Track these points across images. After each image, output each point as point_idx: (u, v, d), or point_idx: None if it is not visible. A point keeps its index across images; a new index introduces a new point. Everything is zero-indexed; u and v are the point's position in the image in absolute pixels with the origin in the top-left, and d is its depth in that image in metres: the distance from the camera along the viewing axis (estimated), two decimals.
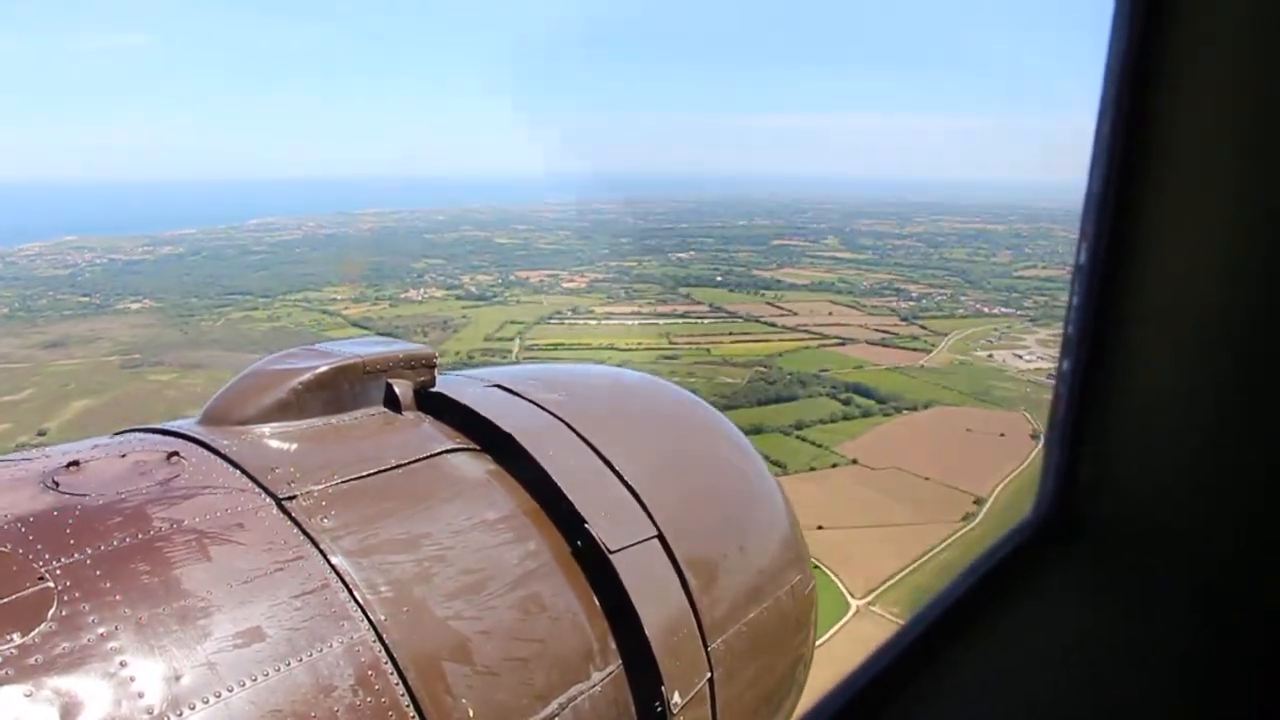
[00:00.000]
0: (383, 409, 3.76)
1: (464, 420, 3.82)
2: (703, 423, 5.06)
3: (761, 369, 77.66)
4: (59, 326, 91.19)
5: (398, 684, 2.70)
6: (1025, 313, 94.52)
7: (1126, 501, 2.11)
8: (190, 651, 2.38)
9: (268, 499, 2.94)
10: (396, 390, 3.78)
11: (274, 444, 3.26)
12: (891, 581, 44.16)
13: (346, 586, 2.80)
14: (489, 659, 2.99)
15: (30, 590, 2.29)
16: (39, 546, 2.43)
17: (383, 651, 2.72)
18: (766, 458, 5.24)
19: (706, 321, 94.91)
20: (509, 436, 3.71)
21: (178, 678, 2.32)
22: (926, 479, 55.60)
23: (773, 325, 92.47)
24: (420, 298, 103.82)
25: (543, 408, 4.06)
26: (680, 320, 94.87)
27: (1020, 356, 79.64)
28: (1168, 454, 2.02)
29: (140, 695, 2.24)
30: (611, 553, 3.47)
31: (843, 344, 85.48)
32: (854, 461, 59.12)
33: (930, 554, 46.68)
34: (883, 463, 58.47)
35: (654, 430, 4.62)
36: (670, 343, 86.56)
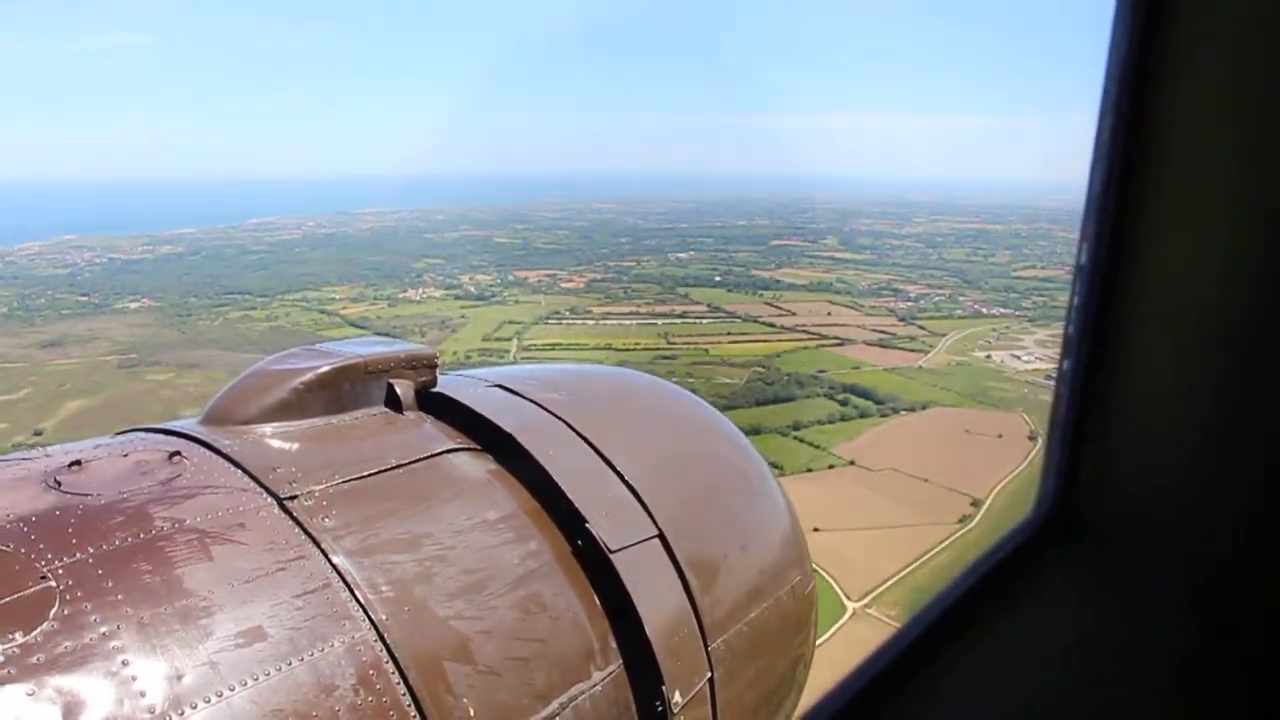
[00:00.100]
0: (384, 409, 3.76)
1: (465, 420, 3.83)
2: (703, 422, 5.07)
3: (759, 369, 77.50)
4: (57, 326, 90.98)
5: (399, 683, 2.71)
6: (1024, 313, 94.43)
7: (1127, 501, 2.11)
8: (192, 651, 2.39)
9: (269, 499, 2.95)
10: (398, 390, 3.79)
11: (275, 444, 3.26)
12: (888, 584, 44.08)
13: (348, 586, 2.81)
14: (490, 658, 2.99)
15: (32, 589, 2.30)
16: (41, 546, 2.43)
17: (384, 651, 2.73)
18: (764, 458, 5.29)
19: (705, 322, 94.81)
20: (510, 436, 3.71)
21: (179, 677, 2.32)
22: (924, 480, 55.46)
23: (771, 325, 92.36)
24: (419, 297, 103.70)
25: (543, 407, 4.06)
26: (679, 320, 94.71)
27: (1018, 357, 79.54)
28: (1168, 454, 2.02)
29: (142, 694, 2.25)
30: (612, 552, 3.47)
31: (841, 344, 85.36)
32: (851, 463, 58.98)
33: (927, 556, 46.60)
34: (880, 464, 58.36)
35: (655, 430, 4.63)
36: (668, 343, 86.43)
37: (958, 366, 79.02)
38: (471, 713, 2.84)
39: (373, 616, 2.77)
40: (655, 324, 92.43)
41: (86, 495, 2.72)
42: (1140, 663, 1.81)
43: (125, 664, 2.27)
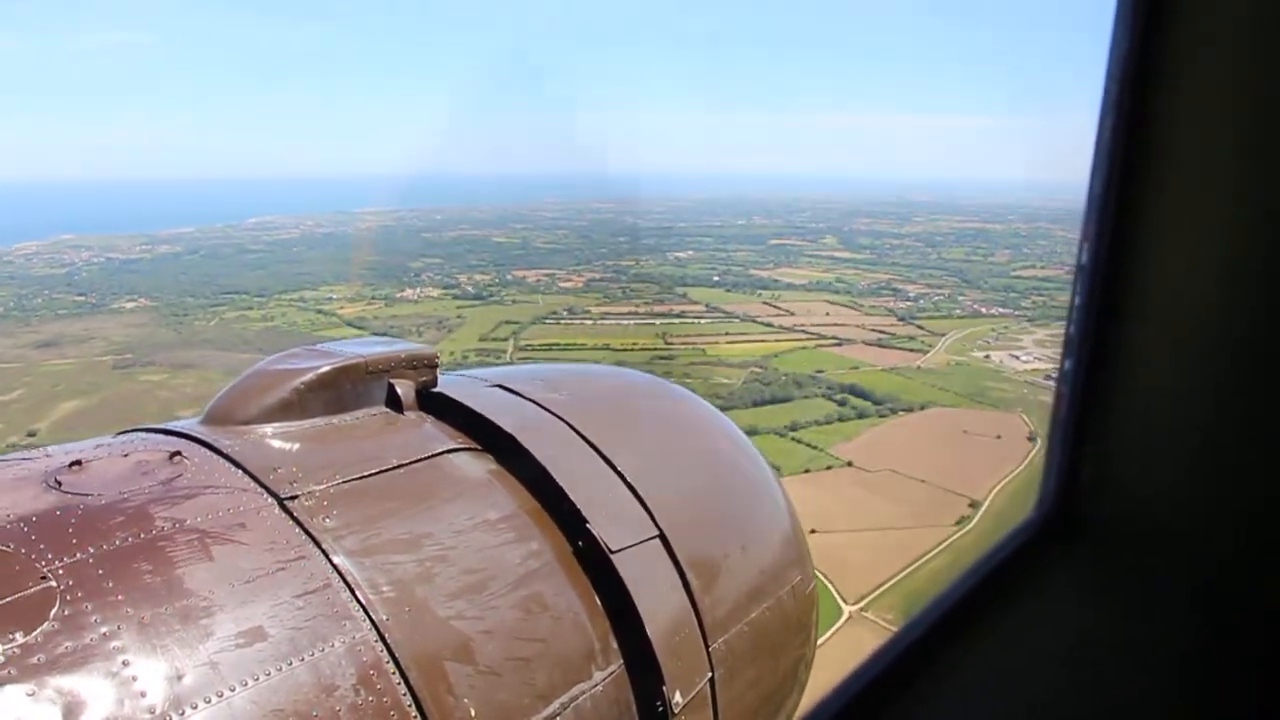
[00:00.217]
0: (385, 409, 3.77)
1: (466, 420, 3.83)
2: (704, 422, 5.07)
3: (757, 370, 77.29)
4: (53, 326, 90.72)
5: (399, 684, 2.70)
6: (1023, 313, 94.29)
7: (1128, 501, 2.12)
8: (192, 651, 2.39)
9: (270, 499, 2.95)
10: (398, 390, 3.79)
11: (276, 444, 3.27)
12: (885, 587, 43.86)
13: (348, 586, 2.81)
14: (491, 659, 2.99)
15: (33, 590, 2.30)
16: (41, 546, 2.43)
17: (384, 651, 2.72)
18: (765, 458, 5.29)
19: (703, 322, 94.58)
20: (510, 436, 3.71)
21: (180, 677, 2.32)
22: (922, 481, 55.25)
23: (769, 325, 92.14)
24: (416, 297, 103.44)
25: (544, 407, 4.07)
26: (677, 320, 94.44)
27: (1017, 357, 79.36)
28: (1169, 454, 2.03)
29: (142, 694, 2.25)
30: (613, 552, 3.48)
31: (839, 344, 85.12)
32: (849, 464, 58.75)
33: (924, 559, 46.39)
34: (878, 465, 58.10)
35: (656, 430, 4.63)
36: (666, 343, 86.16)
37: (957, 367, 78.80)
38: (472, 713, 2.84)
39: (373, 617, 2.77)
40: (653, 324, 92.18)
41: (87, 495, 2.71)
42: (1141, 663, 1.82)
43: (126, 664, 2.27)
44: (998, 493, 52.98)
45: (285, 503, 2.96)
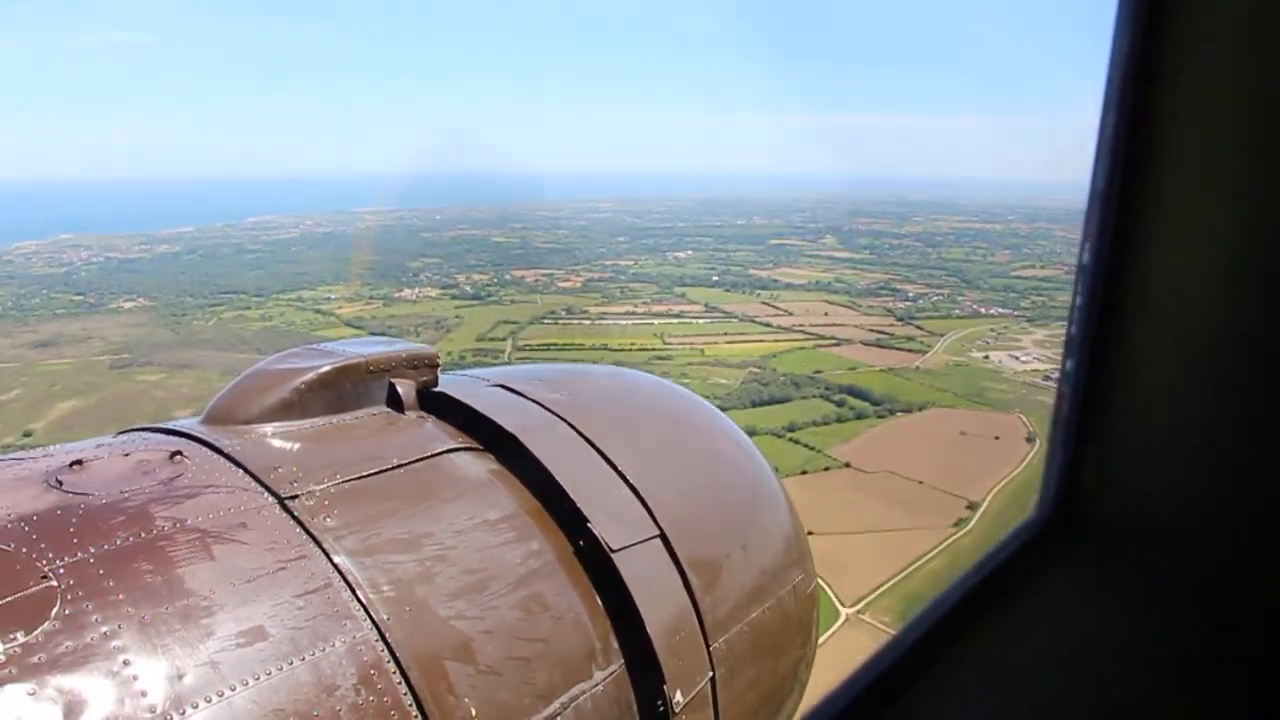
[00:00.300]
0: (385, 409, 3.77)
1: (466, 420, 3.83)
2: (705, 422, 5.07)
3: (755, 370, 77.14)
4: (50, 325, 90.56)
5: (400, 683, 2.70)
6: (1022, 313, 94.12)
7: (1130, 501, 2.12)
8: (193, 650, 2.39)
9: (270, 498, 2.95)
10: (399, 390, 3.79)
11: (277, 443, 3.27)
12: (882, 589, 43.70)
13: (349, 586, 2.80)
14: (491, 658, 2.99)
15: (34, 589, 2.30)
16: (42, 545, 2.44)
17: (385, 651, 2.72)
18: (766, 458, 5.29)
19: (701, 322, 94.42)
20: (512, 436, 3.71)
21: (180, 677, 2.32)
22: (919, 483, 55.08)
23: (768, 325, 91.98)
24: (414, 297, 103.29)
25: (545, 407, 4.06)
26: (675, 320, 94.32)
27: (1016, 358, 79.21)
28: (1171, 453, 2.04)
29: (143, 694, 2.25)
30: (614, 552, 3.48)
31: (838, 345, 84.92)
32: (846, 465, 58.56)
33: (922, 561, 46.23)
34: (875, 466, 57.91)
35: (657, 430, 4.63)
36: (664, 343, 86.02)
37: (955, 367, 78.67)
38: (473, 712, 2.84)
39: (374, 616, 2.77)
40: (651, 324, 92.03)
41: (88, 495, 2.71)
42: (1143, 662, 1.82)
43: (126, 663, 2.27)
44: (996, 494, 52.88)
45: (286, 502, 2.95)
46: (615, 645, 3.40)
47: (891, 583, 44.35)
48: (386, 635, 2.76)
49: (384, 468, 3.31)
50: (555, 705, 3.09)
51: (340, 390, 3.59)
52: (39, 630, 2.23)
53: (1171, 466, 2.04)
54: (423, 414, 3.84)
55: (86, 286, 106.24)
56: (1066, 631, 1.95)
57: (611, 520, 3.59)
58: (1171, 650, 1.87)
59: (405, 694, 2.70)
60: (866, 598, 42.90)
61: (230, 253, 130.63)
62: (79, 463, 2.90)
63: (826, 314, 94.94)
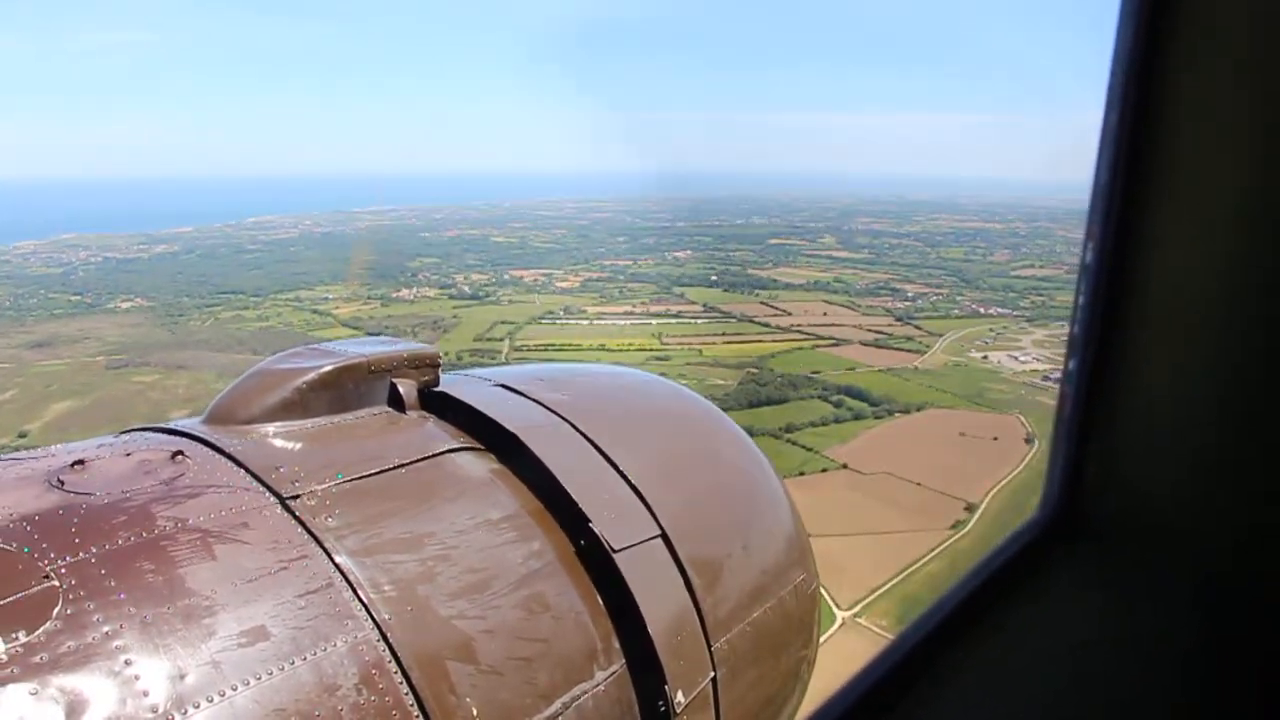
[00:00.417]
0: (387, 408, 3.76)
1: (468, 420, 3.82)
2: (707, 422, 5.06)
3: (753, 370, 76.88)
4: (47, 326, 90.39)
5: (402, 683, 2.69)
6: (1021, 313, 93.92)
7: (1133, 500, 2.12)
8: (195, 650, 2.39)
9: (272, 498, 2.94)
10: (400, 390, 3.78)
11: (278, 443, 3.26)
12: (879, 592, 43.46)
13: (350, 586, 2.80)
14: (493, 658, 2.99)
15: (35, 589, 2.31)
16: (44, 545, 2.44)
17: (386, 651, 2.72)
18: (767, 457, 5.26)
19: (700, 322, 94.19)
20: (513, 436, 3.70)
21: (182, 676, 2.33)
22: (917, 484, 54.82)
23: (766, 326, 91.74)
24: (412, 297, 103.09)
25: (547, 407, 4.06)
26: (673, 320, 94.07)
27: (1015, 358, 78.99)
28: (1173, 453, 2.04)
29: (145, 694, 2.25)
30: (615, 552, 3.47)
31: (836, 345, 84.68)
32: (844, 466, 58.25)
33: (919, 564, 45.98)
34: (873, 467, 57.62)
35: (658, 429, 4.63)
36: (662, 343, 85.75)
37: (954, 367, 78.46)
38: (475, 712, 2.83)
39: (375, 616, 2.76)
40: (650, 324, 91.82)
41: (89, 495, 2.71)
42: (1146, 661, 1.83)
43: (128, 663, 2.27)
44: (994, 496, 52.65)
45: (287, 502, 2.95)
46: (617, 645, 3.39)
47: (889, 586, 44.09)
48: (388, 635, 2.75)
49: (385, 467, 3.31)
50: (557, 705, 3.09)
51: (342, 390, 3.59)
52: (41, 630, 2.23)
53: (1174, 466, 2.03)
54: (424, 414, 3.84)
55: (84, 287, 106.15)
56: (1069, 631, 1.94)
57: (613, 520, 3.58)
58: (1174, 650, 1.86)
59: (407, 694, 2.70)
60: (864, 601, 42.66)
61: (229, 253, 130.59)
62: (80, 462, 2.89)
63: (825, 314, 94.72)
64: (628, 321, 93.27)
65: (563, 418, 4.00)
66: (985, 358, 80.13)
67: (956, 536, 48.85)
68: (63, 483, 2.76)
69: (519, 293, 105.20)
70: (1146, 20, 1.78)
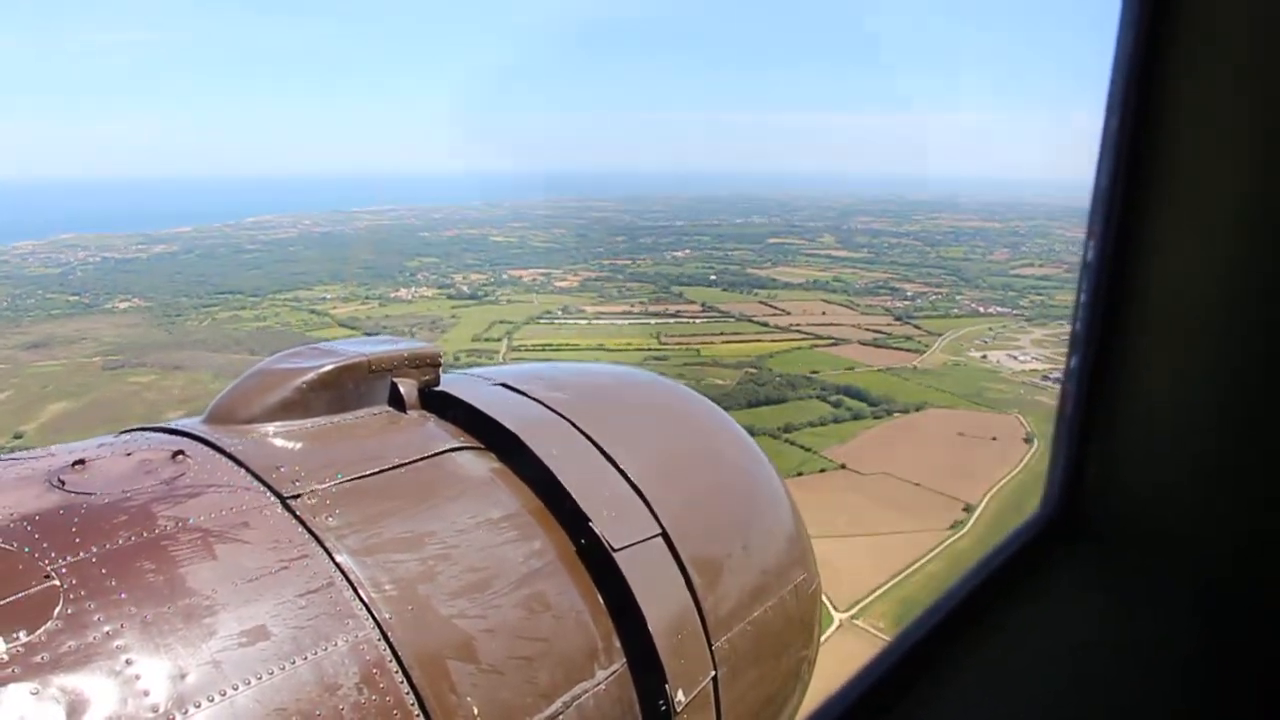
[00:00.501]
0: (387, 408, 3.76)
1: (468, 419, 3.81)
2: (707, 421, 5.05)
3: (751, 370, 76.68)
4: (44, 326, 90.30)
5: (402, 682, 2.69)
6: (1021, 312, 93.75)
7: (1133, 501, 2.13)
8: (195, 650, 2.39)
9: (272, 497, 2.94)
10: (401, 389, 3.78)
11: (279, 443, 3.26)
12: (877, 594, 43.25)
13: (351, 585, 2.79)
14: (494, 657, 2.98)
15: (36, 589, 2.32)
16: (45, 545, 2.44)
17: (387, 650, 2.72)
18: (768, 456, 5.24)
19: (698, 321, 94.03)
20: (513, 435, 3.70)
21: (183, 676, 2.33)
22: (916, 485, 54.63)
23: (765, 325, 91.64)
24: (410, 297, 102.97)
25: (547, 406, 4.05)
26: (672, 320, 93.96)
27: (1015, 357, 78.85)
28: (1174, 454, 2.04)
29: (146, 693, 2.26)
30: (615, 551, 3.46)
31: (835, 344, 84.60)
32: (842, 466, 58.09)
33: (917, 565, 45.77)
34: (872, 467, 57.46)
35: (658, 428, 4.61)
36: (660, 343, 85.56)
37: (953, 367, 78.35)
38: (475, 711, 2.83)
39: (376, 615, 2.76)
40: (648, 324, 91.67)
41: (90, 494, 2.71)
42: (1146, 664, 1.83)
43: (129, 663, 2.27)
44: (993, 496, 52.50)
45: (288, 501, 2.94)
46: (617, 644, 3.38)
47: (886, 587, 43.90)
48: (388, 634, 2.74)
49: (386, 467, 3.30)
50: (557, 704, 3.08)
51: (342, 389, 3.58)
52: (42, 630, 2.22)
53: (1174, 471, 2.03)
54: (424, 413, 3.84)
55: (82, 287, 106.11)
56: (1069, 631, 1.94)
57: (613, 519, 3.57)
58: (1174, 654, 1.86)
59: (407, 693, 2.69)
60: (861, 602, 42.46)
61: (227, 253, 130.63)
62: (81, 462, 2.89)
63: (824, 313, 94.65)
64: (625, 321, 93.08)
65: (563, 417, 3.98)
66: (984, 357, 80.00)
67: (955, 537, 48.69)
68: (63, 482, 2.76)
69: (517, 292, 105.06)
70: (1147, 26, 1.78)
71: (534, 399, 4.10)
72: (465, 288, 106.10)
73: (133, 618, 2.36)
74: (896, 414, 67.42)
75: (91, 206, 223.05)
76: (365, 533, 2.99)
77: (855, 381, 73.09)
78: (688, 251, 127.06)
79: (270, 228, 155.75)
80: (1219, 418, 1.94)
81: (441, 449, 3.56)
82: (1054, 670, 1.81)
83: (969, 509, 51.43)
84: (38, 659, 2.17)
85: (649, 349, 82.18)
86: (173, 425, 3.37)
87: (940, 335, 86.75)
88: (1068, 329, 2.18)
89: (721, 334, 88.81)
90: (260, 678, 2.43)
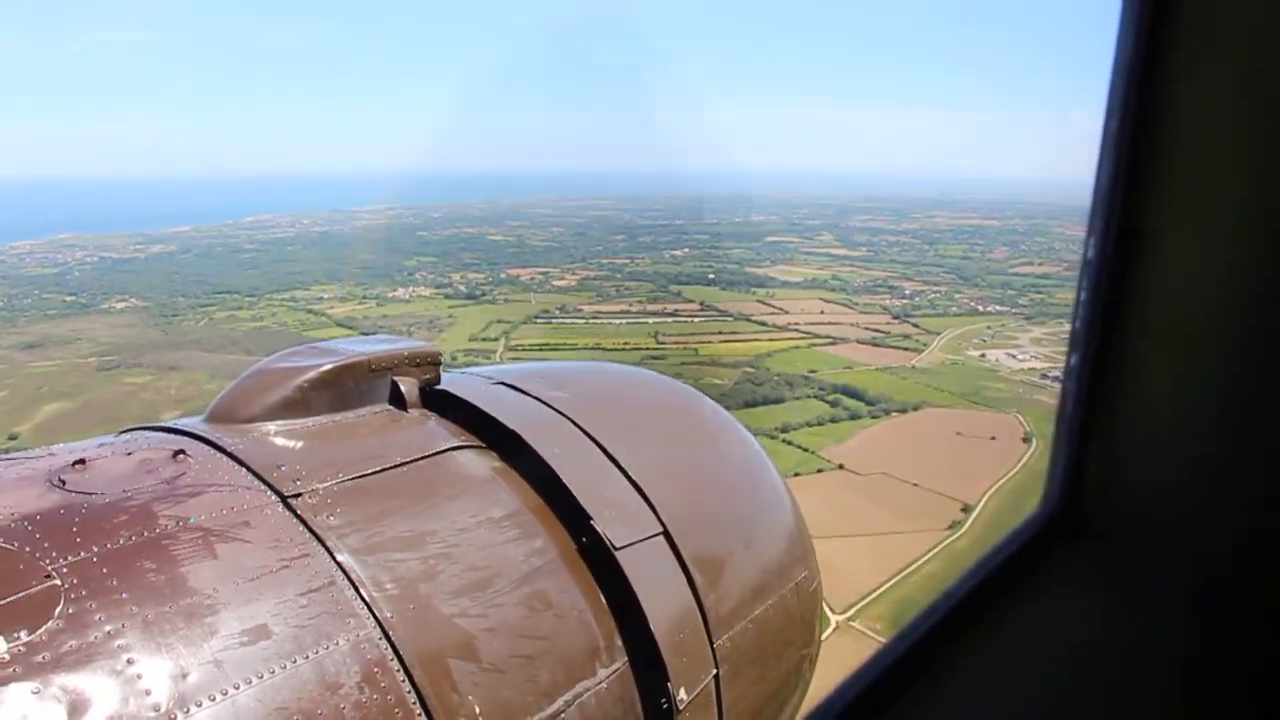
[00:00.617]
0: (388, 407, 3.76)
1: (469, 418, 3.81)
2: (708, 419, 5.05)
3: (749, 370, 76.38)
4: (40, 327, 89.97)
5: (404, 681, 2.70)
6: (1020, 310, 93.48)
7: (1133, 500, 2.12)
8: (197, 649, 2.40)
9: (273, 496, 2.94)
10: (402, 388, 3.78)
11: (280, 442, 3.26)
12: (874, 595, 43.00)
13: (352, 584, 2.80)
14: (495, 656, 2.99)
15: (37, 588, 2.33)
16: (46, 544, 2.45)
17: (389, 649, 2.72)
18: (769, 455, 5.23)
19: (696, 320, 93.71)
20: (514, 434, 3.70)
21: (184, 675, 2.34)
22: (914, 485, 54.35)
23: (763, 324, 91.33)
24: (407, 296, 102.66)
25: (548, 405, 4.05)
26: (670, 319, 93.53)
27: (1014, 356, 78.57)
28: (1174, 452, 2.04)
29: (147, 693, 2.26)
30: (617, 549, 3.47)
31: (833, 343, 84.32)
32: (840, 466, 57.78)
33: (914, 566, 45.52)
34: (869, 468, 57.17)
35: (659, 426, 4.63)
36: (657, 342, 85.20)
37: (952, 366, 78.09)
38: (477, 710, 2.83)
39: (377, 614, 2.76)
40: (645, 323, 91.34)
41: (91, 494, 2.72)
42: (1146, 664, 1.83)
43: (130, 662, 2.28)
44: (991, 496, 52.28)
45: (289, 501, 2.94)
46: (619, 643, 3.39)
47: (883, 589, 43.64)
48: (390, 633, 2.74)
49: (387, 466, 3.30)
50: (559, 703, 3.08)
51: (343, 388, 3.59)
52: (43, 629, 2.23)
53: (1174, 471, 2.03)
54: (425, 412, 3.84)
55: (79, 287, 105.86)
56: (1069, 631, 1.94)
57: (614, 518, 3.58)
58: (1174, 654, 1.86)
59: (409, 692, 2.69)
60: (858, 604, 42.19)
61: (226, 252, 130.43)
62: (82, 462, 2.89)
63: (822, 312, 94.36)
64: (624, 320, 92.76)
65: (564, 415, 3.98)
66: (983, 356, 79.75)
67: (953, 538, 48.47)
68: (64, 482, 2.76)
69: (515, 291, 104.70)
70: (1147, 29, 1.79)
71: (535, 398, 4.10)
72: (463, 287, 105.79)
73: (134, 617, 2.36)
74: (894, 413, 67.06)
75: (90, 206, 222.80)
76: (366, 531, 2.99)
77: (853, 381, 72.76)
78: (686, 250, 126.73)
79: (269, 227, 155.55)
80: (1219, 417, 1.93)
81: (442, 448, 3.56)
82: (1054, 669, 1.81)
83: (967, 509, 51.18)
84: (39, 658, 2.17)
85: (646, 348, 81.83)
86: (173, 425, 3.37)
87: (939, 334, 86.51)
88: (1067, 327, 2.16)
89: (720, 333, 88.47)
90: (262, 677, 2.43)
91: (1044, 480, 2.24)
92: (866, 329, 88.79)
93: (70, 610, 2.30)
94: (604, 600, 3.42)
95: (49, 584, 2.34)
